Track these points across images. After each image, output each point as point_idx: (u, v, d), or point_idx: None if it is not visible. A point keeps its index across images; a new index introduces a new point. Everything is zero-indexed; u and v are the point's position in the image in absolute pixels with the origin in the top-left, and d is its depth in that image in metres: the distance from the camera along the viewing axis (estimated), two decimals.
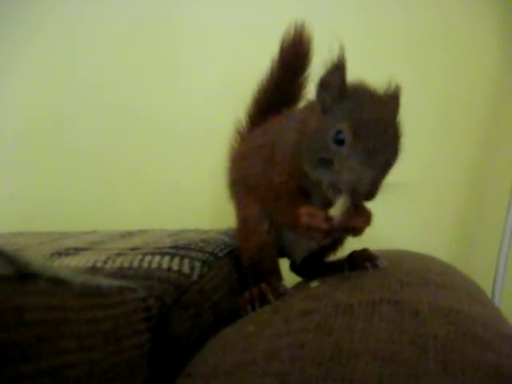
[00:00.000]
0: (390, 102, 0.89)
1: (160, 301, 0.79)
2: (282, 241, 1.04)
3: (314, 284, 0.90)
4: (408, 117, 1.48)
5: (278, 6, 1.68)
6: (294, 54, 1.02)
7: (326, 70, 0.88)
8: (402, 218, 1.50)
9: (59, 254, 1.08)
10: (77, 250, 1.10)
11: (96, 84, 1.95)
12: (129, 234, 1.29)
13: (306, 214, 0.86)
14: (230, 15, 1.76)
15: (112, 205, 1.92)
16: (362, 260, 0.98)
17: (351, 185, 0.80)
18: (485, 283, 1.23)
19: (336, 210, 0.84)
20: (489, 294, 1.39)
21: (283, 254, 1.07)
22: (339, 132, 0.82)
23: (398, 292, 0.78)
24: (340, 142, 0.82)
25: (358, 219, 0.88)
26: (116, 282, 0.70)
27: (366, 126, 0.81)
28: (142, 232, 1.32)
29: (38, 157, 2.05)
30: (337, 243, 1.08)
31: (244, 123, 1.22)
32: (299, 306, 0.78)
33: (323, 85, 0.89)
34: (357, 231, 0.90)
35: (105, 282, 0.66)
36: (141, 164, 1.88)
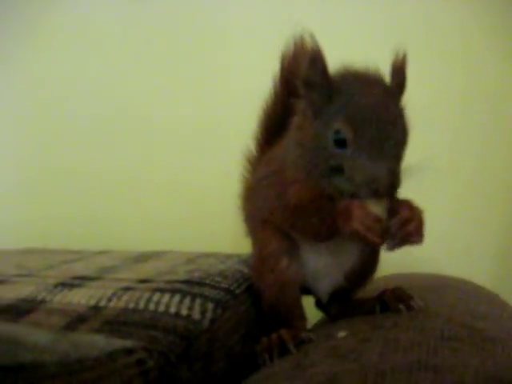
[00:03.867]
0: (386, 80, 0.81)
1: (163, 357, 0.70)
2: (304, 277, 0.93)
3: (342, 334, 0.79)
4: (452, 134, 1.42)
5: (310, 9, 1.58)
6: (297, 70, 0.89)
7: (304, 67, 0.78)
8: (443, 239, 1.39)
9: (64, 284, 1.00)
10: (83, 280, 1.02)
11: (98, 92, 1.89)
12: (143, 258, 1.21)
13: (358, 220, 0.73)
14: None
15: (134, 216, 1.84)
16: (395, 300, 0.87)
17: (369, 186, 0.71)
18: None
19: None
20: None
21: (307, 292, 0.97)
22: (337, 132, 0.74)
23: (439, 351, 0.67)
24: (342, 143, 0.73)
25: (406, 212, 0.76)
26: (109, 344, 0.60)
27: (365, 116, 0.73)
28: (157, 255, 1.23)
29: (49, 172, 1.99)
30: (365, 276, 0.97)
31: (253, 150, 1.11)
32: (322, 367, 0.67)
33: (306, 84, 0.79)
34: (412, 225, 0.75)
35: (93, 345, 0.57)
36: (159, 175, 1.81)
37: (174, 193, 1.77)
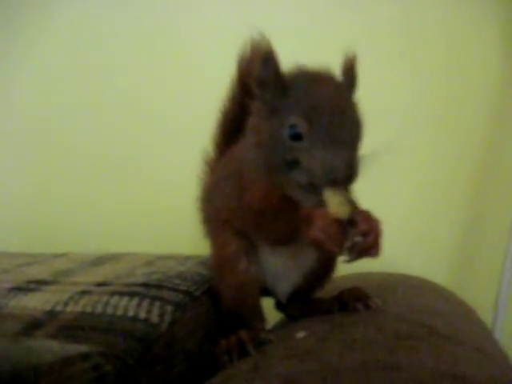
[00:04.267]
0: (337, 76, 0.82)
1: (120, 361, 0.68)
2: (264, 278, 0.94)
3: (300, 334, 0.79)
4: (407, 130, 1.43)
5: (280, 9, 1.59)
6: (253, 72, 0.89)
7: (257, 67, 0.79)
8: (400, 238, 1.41)
9: (19, 289, 0.97)
10: (39, 284, 0.99)
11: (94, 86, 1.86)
12: (101, 261, 1.19)
13: (319, 229, 0.73)
14: (231, 17, 1.66)
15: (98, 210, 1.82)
16: (353, 300, 0.88)
17: (327, 174, 0.71)
18: (485, 304, 1.15)
19: (333, 208, 0.74)
20: (489, 317, 1.31)
21: (267, 293, 0.97)
22: (293, 126, 0.74)
23: (396, 350, 0.67)
24: (298, 137, 0.74)
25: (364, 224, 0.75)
26: (64, 350, 0.59)
27: (319, 108, 0.74)
28: (115, 258, 1.21)
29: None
30: (324, 276, 0.98)
31: (212, 152, 1.12)
32: (281, 367, 0.67)
33: (259, 84, 0.80)
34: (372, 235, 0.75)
35: (48, 351, 0.56)
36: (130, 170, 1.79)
37: (133, 193, 1.76)
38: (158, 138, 1.74)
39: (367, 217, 0.76)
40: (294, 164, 0.75)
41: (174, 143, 1.70)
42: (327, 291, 0.97)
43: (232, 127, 1.04)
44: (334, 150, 0.72)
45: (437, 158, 1.50)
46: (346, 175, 0.72)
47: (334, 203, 0.74)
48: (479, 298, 1.20)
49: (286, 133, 0.75)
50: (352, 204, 0.76)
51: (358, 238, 0.74)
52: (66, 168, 1.88)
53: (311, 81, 0.79)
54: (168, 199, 1.66)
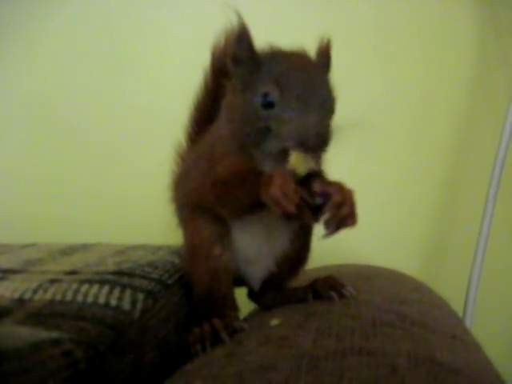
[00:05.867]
0: (310, 53, 0.84)
1: (91, 349, 0.67)
2: (236, 265, 0.93)
3: (275, 322, 0.78)
4: (381, 127, 1.43)
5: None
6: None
7: (232, 44, 0.81)
8: (372, 230, 1.41)
9: None
10: (7, 273, 0.97)
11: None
12: (70, 251, 1.16)
13: (277, 187, 0.72)
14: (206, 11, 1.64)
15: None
16: (327, 288, 0.88)
17: (298, 135, 0.72)
18: (456, 296, 1.16)
19: (292, 164, 0.74)
20: (460, 309, 1.31)
21: (239, 283, 0.96)
22: (265, 95, 0.75)
23: (371, 337, 0.67)
24: (270, 105, 0.75)
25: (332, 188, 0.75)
26: (33, 335, 0.57)
27: (291, 77, 0.75)
28: (84, 248, 1.19)
29: None
30: (297, 263, 0.97)
31: (184, 144, 1.11)
32: (256, 355, 0.66)
33: (234, 60, 0.81)
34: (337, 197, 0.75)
35: (16, 337, 0.54)
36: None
37: (105, 183, 1.74)
38: (134, 128, 1.73)
39: (340, 188, 0.76)
40: (265, 132, 0.75)
41: (150, 133, 1.69)
42: (301, 282, 0.96)
43: (204, 119, 1.04)
44: (305, 114, 0.72)
45: (411, 153, 1.50)
46: (317, 136, 0.72)
47: (294, 160, 0.74)
48: (451, 290, 1.20)
49: (258, 101, 0.76)
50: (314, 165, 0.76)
51: (334, 210, 0.74)
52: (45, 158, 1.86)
53: (284, 55, 0.80)
54: (141, 189, 1.64)
